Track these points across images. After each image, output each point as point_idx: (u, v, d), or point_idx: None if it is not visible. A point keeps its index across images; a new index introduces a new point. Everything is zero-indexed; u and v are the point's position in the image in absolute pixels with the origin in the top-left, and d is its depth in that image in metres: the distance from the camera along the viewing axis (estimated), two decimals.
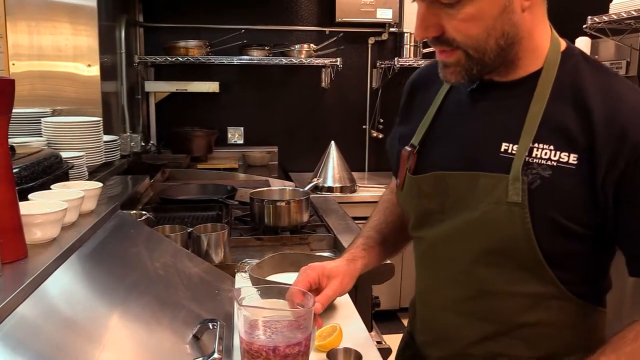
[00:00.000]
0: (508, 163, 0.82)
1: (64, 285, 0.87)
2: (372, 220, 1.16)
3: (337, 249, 1.63)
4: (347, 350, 0.91)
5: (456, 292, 0.90)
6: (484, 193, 0.83)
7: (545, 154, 0.80)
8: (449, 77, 0.85)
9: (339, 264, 1.03)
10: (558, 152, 0.79)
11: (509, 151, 0.83)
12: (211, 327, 0.91)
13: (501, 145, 0.84)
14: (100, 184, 1.18)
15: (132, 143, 3.09)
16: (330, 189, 3.07)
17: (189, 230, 1.39)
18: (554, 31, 0.86)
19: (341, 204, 2.37)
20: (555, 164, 0.79)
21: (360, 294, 1.45)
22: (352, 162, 3.35)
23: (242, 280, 1.30)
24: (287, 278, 1.19)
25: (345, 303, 1.21)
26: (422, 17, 0.80)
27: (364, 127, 3.78)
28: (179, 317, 0.99)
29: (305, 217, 1.80)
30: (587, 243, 0.82)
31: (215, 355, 0.78)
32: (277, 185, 2.55)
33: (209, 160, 3.49)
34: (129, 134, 3.07)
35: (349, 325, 1.06)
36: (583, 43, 2.89)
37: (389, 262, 1.47)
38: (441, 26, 0.80)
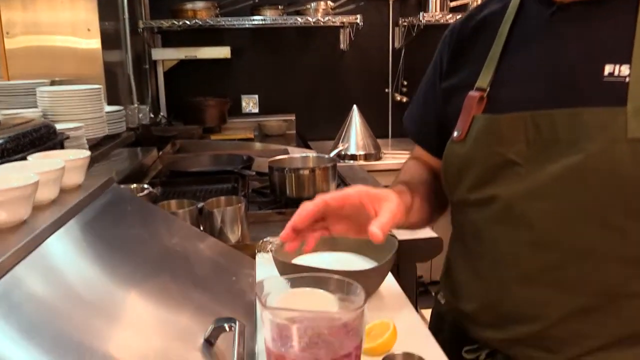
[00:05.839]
0: (618, 89, 0.68)
1: (34, 279, 0.66)
2: (399, 179, 0.95)
3: None
4: (408, 357, 0.70)
5: (543, 259, 0.73)
6: (592, 132, 0.68)
7: None
8: None
9: (389, 190, 0.81)
10: None
11: (616, 74, 0.69)
12: (228, 329, 0.70)
13: (604, 68, 0.69)
14: (88, 153, 0.97)
15: (140, 115, 2.89)
16: (353, 157, 2.84)
17: (199, 206, 1.18)
18: None
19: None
20: None
21: (403, 274, 1.23)
22: (375, 128, 3.10)
23: (263, 263, 1.09)
24: (319, 260, 0.98)
25: (388, 285, 0.99)
26: None
27: (386, 90, 3.52)
28: (186, 314, 0.78)
29: (332, 187, 1.59)
30: None
31: None
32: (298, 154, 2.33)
33: (222, 131, 3.28)
34: (136, 105, 2.87)
35: (399, 318, 0.83)
36: None
37: (436, 236, 1.25)
38: None
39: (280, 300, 0.63)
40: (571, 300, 0.72)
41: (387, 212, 0.74)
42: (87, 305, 0.68)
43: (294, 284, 0.65)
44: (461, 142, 0.80)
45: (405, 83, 3.47)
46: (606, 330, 0.72)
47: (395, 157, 2.93)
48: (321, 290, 0.66)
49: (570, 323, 0.73)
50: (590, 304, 0.72)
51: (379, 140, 3.05)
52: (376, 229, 0.71)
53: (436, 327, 0.94)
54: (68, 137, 1.56)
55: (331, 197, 0.75)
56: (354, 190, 0.76)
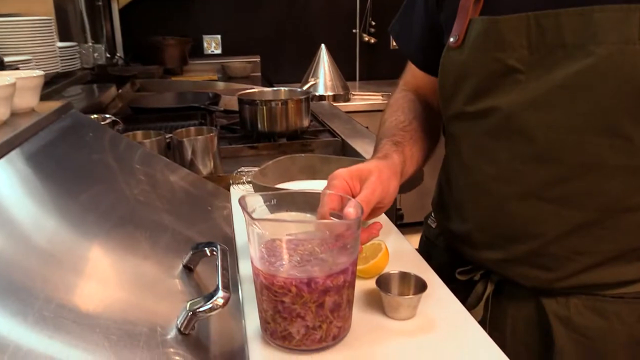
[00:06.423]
0: None
1: None
2: (389, 122, 0.87)
3: (348, 156, 1.36)
4: (404, 276, 0.66)
5: (544, 174, 0.69)
6: (601, 33, 0.61)
7: None
8: None
9: (369, 162, 0.76)
10: None
11: None
12: (208, 254, 0.65)
13: None
14: (42, 73, 0.88)
15: (96, 54, 2.71)
16: (322, 98, 2.76)
17: (167, 137, 1.11)
18: None
19: None
20: None
21: None
22: (342, 70, 3.02)
23: (238, 195, 1.03)
24: (299, 187, 0.92)
25: None
26: None
27: (354, 31, 3.42)
28: (161, 241, 0.73)
29: (306, 122, 1.52)
30: None
31: (220, 293, 0.53)
32: None
33: (184, 72, 3.13)
34: (90, 44, 2.70)
35: (388, 242, 0.79)
36: None
37: None
38: None
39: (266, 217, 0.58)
40: (572, 215, 0.69)
41: (367, 189, 0.68)
42: (44, 234, 0.61)
43: (281, 200, 0.60)
44: (458, 48, 0.73)
45: (373, 23, 3.37)
46: (603, 246, 0.70)
47: (363, 99, 2.86)
48: (308, 214, 0.61)
49: (568, 239, 0.70)
50: (591, 219, 0.69)
51: (347, 83, 2.97)
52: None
53: (425, 252, 0.91)
54: (18, 69, 1.43)
55: (326, 201, 0.64)
56: (337, 180, 0.68)
